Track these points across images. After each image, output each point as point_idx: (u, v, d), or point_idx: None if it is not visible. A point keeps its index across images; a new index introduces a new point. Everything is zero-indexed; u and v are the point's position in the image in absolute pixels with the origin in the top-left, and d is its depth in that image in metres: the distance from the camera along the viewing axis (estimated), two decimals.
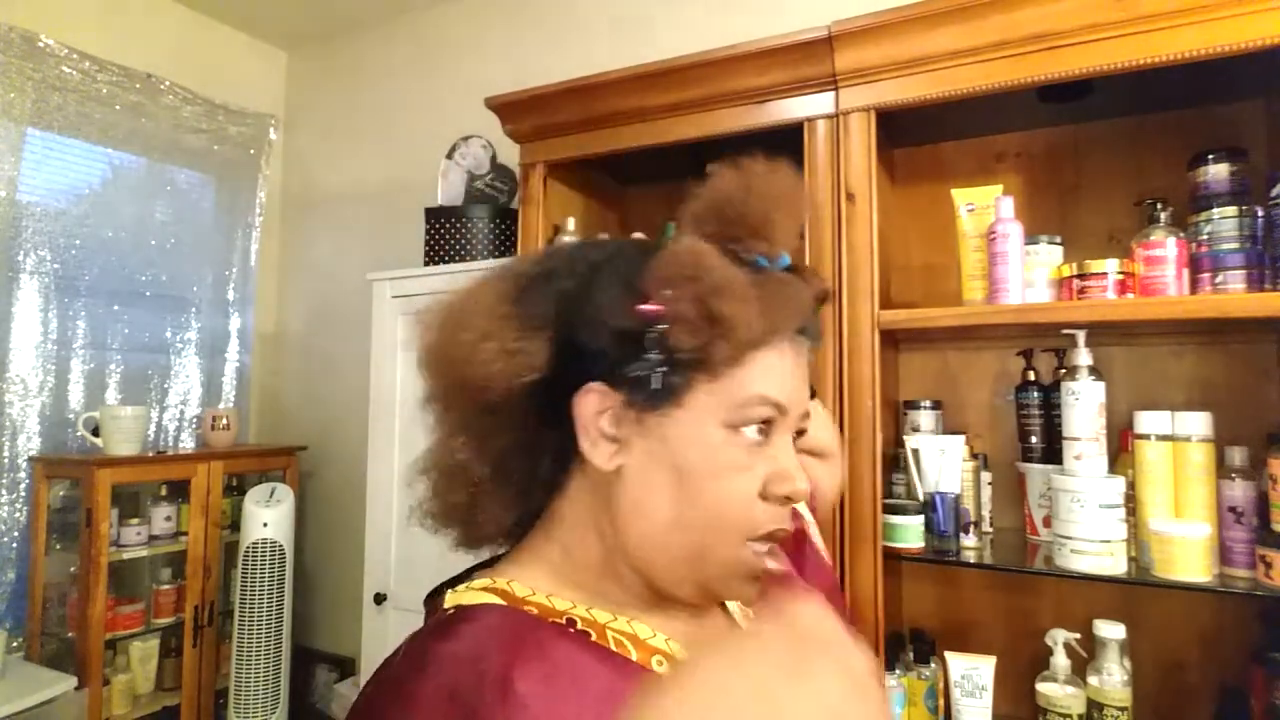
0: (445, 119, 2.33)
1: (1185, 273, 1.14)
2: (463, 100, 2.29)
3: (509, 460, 0.49)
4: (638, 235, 0.64)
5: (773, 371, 0.46)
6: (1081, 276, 1.19)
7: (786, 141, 1.36)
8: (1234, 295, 1.09)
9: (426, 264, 1.94)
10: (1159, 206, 1.19)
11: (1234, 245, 1.11)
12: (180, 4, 2.46)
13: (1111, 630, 1.17)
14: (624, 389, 0.45)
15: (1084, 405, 1.17)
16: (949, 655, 1.28)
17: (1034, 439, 1.38)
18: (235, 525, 2.24)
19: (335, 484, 2.53)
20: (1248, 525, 1.09)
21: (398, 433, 1.89)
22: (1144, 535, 1.13)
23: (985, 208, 1.31)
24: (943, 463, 1.29)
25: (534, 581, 0.48)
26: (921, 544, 1.27)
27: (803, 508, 0.75)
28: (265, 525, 2.13)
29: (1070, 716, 1.17)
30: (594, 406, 0.46)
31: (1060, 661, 1.21)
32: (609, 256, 0.49)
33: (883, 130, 1.30)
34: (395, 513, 1.88)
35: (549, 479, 0.50)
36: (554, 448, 0.48)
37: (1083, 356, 1.19)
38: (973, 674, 1.24)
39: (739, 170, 0.49)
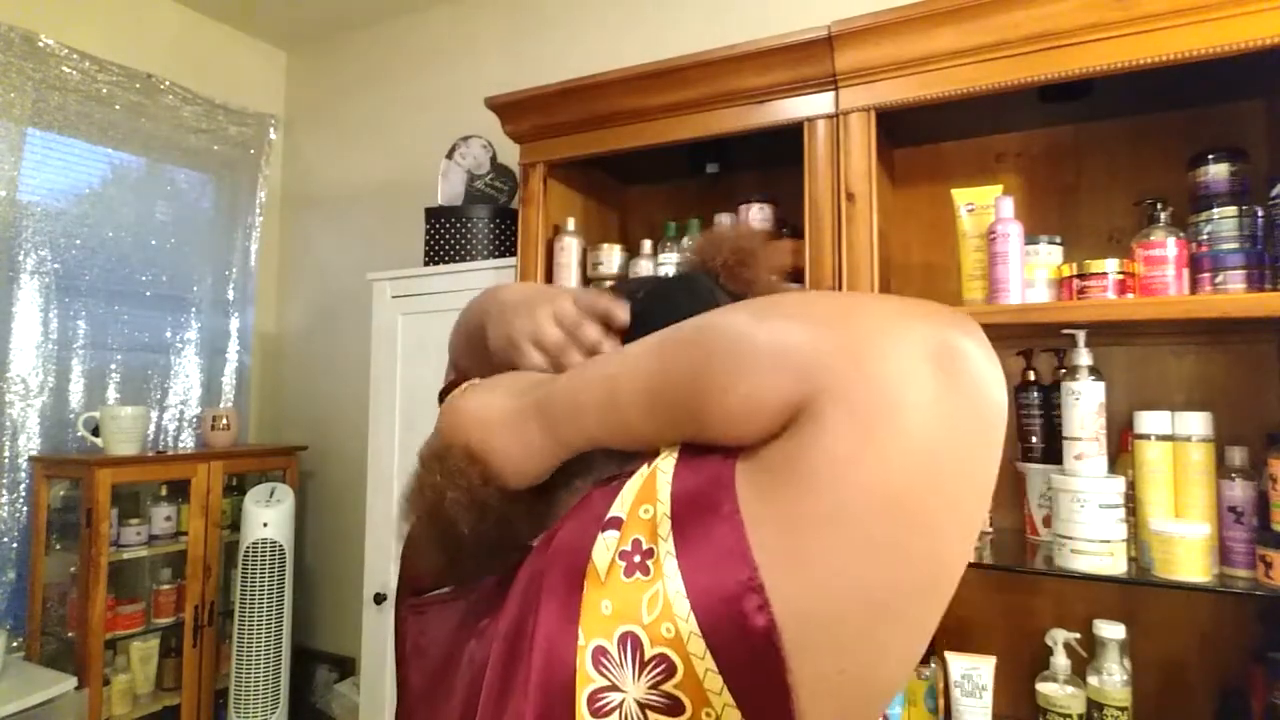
0: (445, 119, 2.34)
1: (1185, 273, 1.14)
2: (463, 100, 2.29)
3: None
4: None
5: None
6: (1081, 276, 1.19)
7: (786, 141, 1.36)
8: (1234, 295, 1.09)
9: (426, 264, 1.94)
10: (1159, 206, 1.19)
11: (1234, 245, 1.11)
12: (180, 4, 2.47)
13: (1111, 630, 1.17)
14: None
15: (1084, 405, 1.17)
16: (949, 655, 1.28)
17: (1034, 439, 1.38)
18: (235, 525, 2.24)
19: (335, 484, 2.53)
20: (1248, 525, 1.09)
21: (398, 433, 1.89)
22: (1144, 535, 1.13)
23: (985, 208, 1.31)
24: None
25: None
26: None
27: None
28: (265, 525, 2.13)
29: (1070, 716, 1.17)
30: None
31: (1060, 661, 1.21)
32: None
33: (883, 130, 1.30)
34: (395, 512, 1.87)
35: None
36: None
37: (1083, 356, 1.19)
38: (973, 674, 1.25)
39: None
